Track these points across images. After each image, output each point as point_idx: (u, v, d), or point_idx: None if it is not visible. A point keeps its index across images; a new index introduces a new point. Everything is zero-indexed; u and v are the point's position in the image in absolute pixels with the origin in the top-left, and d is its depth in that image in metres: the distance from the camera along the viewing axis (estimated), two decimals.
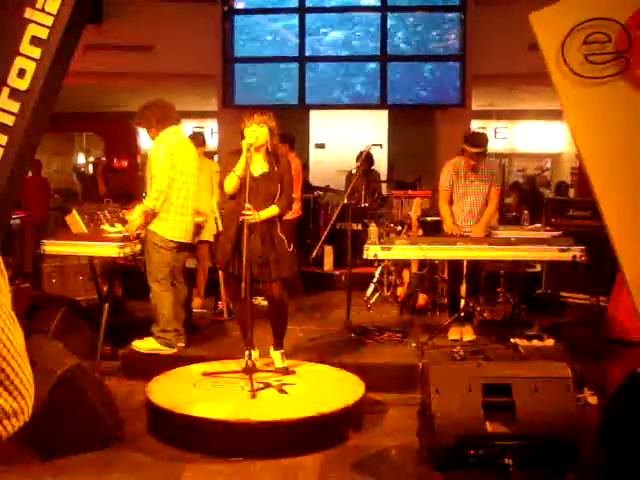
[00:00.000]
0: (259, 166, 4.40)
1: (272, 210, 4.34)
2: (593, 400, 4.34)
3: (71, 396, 3.59)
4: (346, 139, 10.05)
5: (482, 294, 6.27)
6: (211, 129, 12.37)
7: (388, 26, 9.40)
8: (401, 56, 9.48)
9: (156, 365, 4.66)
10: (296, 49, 9.50)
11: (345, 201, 5.98)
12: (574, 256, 4.83)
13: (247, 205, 4.19)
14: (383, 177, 9.66)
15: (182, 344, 5.04)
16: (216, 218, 5.94)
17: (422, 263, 6.44)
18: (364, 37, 9.50)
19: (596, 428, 3.71)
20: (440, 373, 3.42)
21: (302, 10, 9.47)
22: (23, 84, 4.63)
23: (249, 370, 4.15)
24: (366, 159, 7.01)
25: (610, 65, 4.03)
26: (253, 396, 4.00)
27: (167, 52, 9.41)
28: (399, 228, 6.90)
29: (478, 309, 5.83)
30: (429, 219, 6.81)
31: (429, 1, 9.55)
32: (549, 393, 3.28)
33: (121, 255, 4.92)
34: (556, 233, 6.17)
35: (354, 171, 6.76)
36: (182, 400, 3.97)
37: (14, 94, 4.62)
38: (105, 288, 5.51)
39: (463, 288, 5.44)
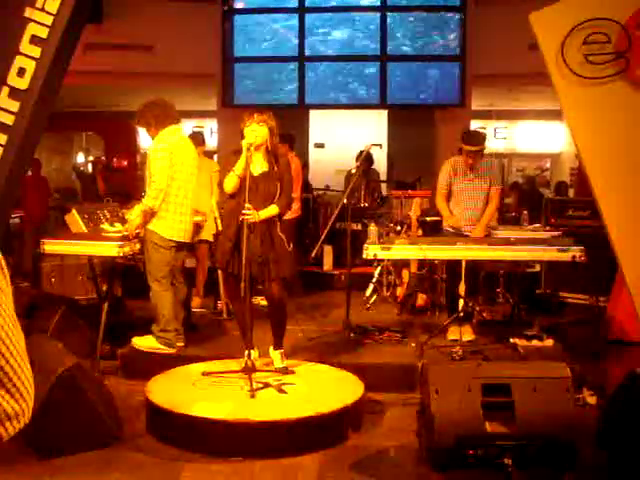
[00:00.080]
0: (259, 166, 4.40)
1: (272, 210, 4.34)
2: (592, 400, 4.34)
3: (70, 396, 3.59)
4: (346, 139, 10.05)
5: (481, 294, 6.28)
6: (211, 129, 12.37)
7: (388, 26, 9.39)
8: (401, 56, 9.47)
9: (155, 365, 4.66)
10: (296, 49, 9.49)
11: (345, 201, 5.97)
12: (573, 256, 4.84)
13: (247, 205, 4.19)
14: (383, 177, 9.67)
15: (181, 344, 5.04)
16: (215, 217, 5.94)
17: (421, 263, 6.44)
18: (364, 37, 9.49)
19: (595, 428, 3.71)
20: (439, 373, 3.42)
21: (302, 10, 9.47)
22: (23, 83, 4.63)
23: (248, 370, 4.15)
24: (366, 159, 7.01)
25: (610, 65, 4.03)
26: (252, 396, 4.00)
27: (167, 52, 9.41)
28: (399, 228, 6.91)
29: (477, 309, 5.84)
30: (429, 219, 6.82)
31: (429, 1, 9.55)
32: (548, 393, 3.28)
33: (120, 254, 4.91)
34: (555, 233, 6.18)
35: (354, 171, 6.76)
36: (181, 400, 3.97)
37: (14, 93, 4.62)
38: (104, 287, 5.50)
39: (462, 288, 5.44)
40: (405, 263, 6.54)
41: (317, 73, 9.56)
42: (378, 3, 9.49)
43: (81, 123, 14.16)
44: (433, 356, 4.87)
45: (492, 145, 12.94)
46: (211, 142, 10.62)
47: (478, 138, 5.63)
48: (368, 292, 6.78)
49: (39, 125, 4.90)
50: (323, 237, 5.91)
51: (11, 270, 1.23)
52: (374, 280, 6.83)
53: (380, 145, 7.30)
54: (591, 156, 4.13)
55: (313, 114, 10.54)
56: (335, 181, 9.24)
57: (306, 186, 8.88)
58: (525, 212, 7.51)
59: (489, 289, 6.69)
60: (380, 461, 3.70)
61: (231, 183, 4.33)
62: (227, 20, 9.55)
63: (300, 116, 10.22)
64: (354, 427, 3.99)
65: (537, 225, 6.99)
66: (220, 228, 5.46)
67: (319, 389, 4.25)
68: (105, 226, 5.57)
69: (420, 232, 6.57)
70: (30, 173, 8.96)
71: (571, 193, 10.77)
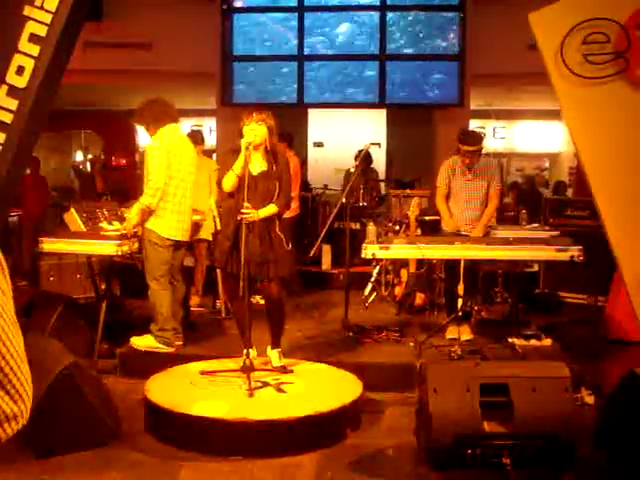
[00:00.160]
0: (258, 165, 4.40)
1: (271, 209, 4.34)
2: (590, 400, 4.34)
3: (69, 395, 3.59)
4: (344, 138, 10.06)
5: (480, 293, 6.27)
6: (209, 127, 12.36)
7: (387, 25, 9.39)
8: (400, 55, 9.48)
9: (154, 363, 4.65)
10: (295, 48, 9.49)
11: (343, 200, 5.97)
12: (572, 256, 4.84)
13: (245, 204, 4.19)
14: (381, 176, 9.67)
15: (180, 343, 5.04)
16: (214, 216, 5.94)
17: (420, 262, 6.44)
18: (363, 36, 9.49)
19: (593, 428, 3.71)
20: (438, 372, 3.42)
21: (301, 9, 9.47)
22: (21, 82, 4.62)
23: (247, 369, 4.15)
24: (364, 158, 7.01)
25: (609, 65, 4.04)
26: (251, 395, 4.00)
27: (166, 50, 9.41)
28: (397, 227, 6.90)
29: (476, 308, 5.84)
30: (427, 218, 6.81)
31: (428, 0, 9.55)
32: (547, 393, 3.28)
33: (119, 253, 4.91)
34: (554, 233, 6.18)
35: (352, 170, 6.77)
36: (180, 399, 3.97)
37: (12, 91, 4.61)
38: (103, 286, 5.50)
39: (461, 287, 5.44)
40: (404, 262, 6.54)
41: (316, 72, 9.56)
42: (377, 2, 9.49)
43: (80, 122, 14.15)
44: (431, 355, 4.87)
45: (491, 145, 12.95)
46: (210, 141, 10.61)
47: (475, 138, 5.63)
48: (367, 291, 6.78)
49: (38, 124, 4.89)
50: (322, 236, 5.91)
51: (9, 269, 1.22)
52: (373, 279, 6.83)
53: (379, 144, 7.30)
54: (590, 156, 4.13)
55: (312, 113, 10.54)
56: (334, 180, 9.24)
57: (305, 185, 8.88)
58: (524, 212, 7.51)
59: (488, 289, 6.69)
60: (378, 460, 3.70)
61: (230, 182, 4.33)
62: (226, 19, 9.55)
63: (299, 115, 10.22)
64: (353, 426, 4.00)
65: (536, 225, 6.99)
66: (219, 227, 5.47)
67: (318, 388, 4.25)
68: (104, 225, 5.57)
69: (419, 231, 6.57)
70: (29, 172, 8.96)
71: (570, 193, 10.78)
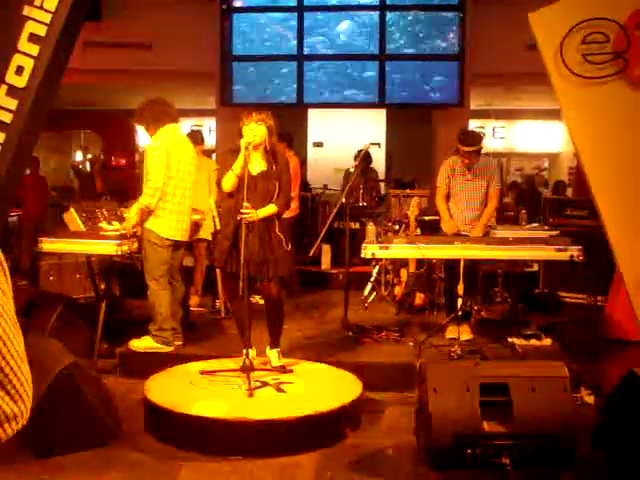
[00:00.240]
0: (257, 164, 4.40)
1: (270, 209, 4.34)
2: (590, 400, 4.35)
3: (68, 394, 3.58)
4: (344, 138, 10.06)
5: (480, 293, 6.28)
6: (209, 127, 12.36)
7: (387, 25, 9.39)
8: (399, 55, 9.47)
9: (154, 363, 4.65)
10: (294, 47, 9.49)
11: (343, 200, 5.97)
12: (572, 256, 4.84)
13: (245, 204, 4.19)
14: (381, 176, 9.67)
15: (179, 342, 5.04)
16: (214, 216, 5.94)
17: (420, 262, 6.44)
18: (362, 36, 9.49)
19: (592, 428, 3.71)
20: (437, 372, 3.42)
21: (300, 9, 9.46)
22: (21, 81, 4.62)
23: (246, 369, 4.15)
24: (364, 158, 7.00)
25: (608, 65, 4.04)
26: (250, 395, 4.00)
27: (165, 50, 9.41)
28: (397, 227, 6.90)
29: (475, 308, 5.84)
30: (427, 218, 6.81)
31: (428, 0, 9.55)
32: (546, 392, 3.29)
33: (118, 253, 4.91)
34: (554, 233, 6.18)
35: (352, 170, 6.77)
36: (179, 399, 3.97)
37: (12, 91, 4.61)
38: (102, 286, 5.50)
39: (460, 287, 5.44)
40: (403, 262, 6.54)
41: (316, 72, 9.56)
42: (377, 2, 9.48)
43: (80, 121, 14.14)
44: (431, 355, 4.87)
45: (491, 144, 12.96)
46: (210, 141, 10.62)
47: (474, 138, 5.62)
48: (366, 291, 6.78)
49: (37, 123, 4.89)
50: (321, 236, 5.91)
51: (9, 269, 1.23)
52: (372, 279, 6.83)
53: (379, 144, 7.30)
54: (589, 155, 4.14)
55: (312, 113, 10.54)
56: (333, 180, 9.24)
57: (304, 185, 8.88)
58: (523, 211, 7.51)
59: (487, 288, 6.69)
60: (378, 460, 3.70)
61: (229, 182, 4.33)
62: (226, 19, 9.54)
63: (299, 115, 10.22)
64: (352, 426, 3.99)
65: (535, 224, 6.99)
66: (218, 227, 5.47)
67: (317, 388, 4.25)
68: (103, 225, 5.57)
69: (418, 231, 6.57)
70: (28, 172, 8.96)
71: (569, 192, 10.78)
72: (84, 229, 5.52)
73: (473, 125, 10.64)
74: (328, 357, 4.86)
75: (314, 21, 9.50)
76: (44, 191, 9.88)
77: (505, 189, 10.27)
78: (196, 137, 6.23)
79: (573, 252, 4.84)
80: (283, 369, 4.46)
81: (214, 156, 9.28)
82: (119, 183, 11.19)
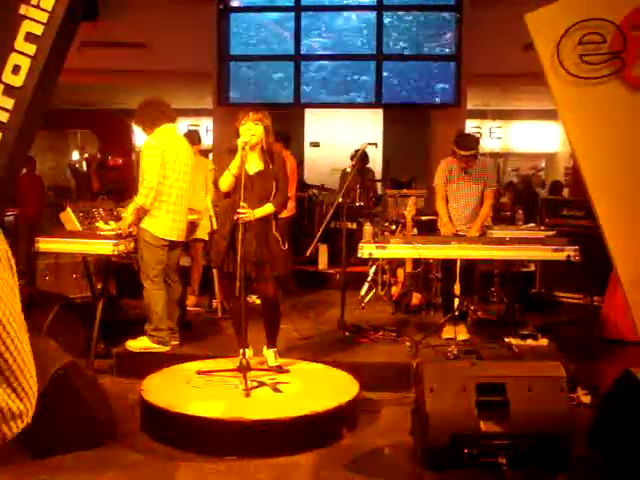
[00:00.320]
0: (254, 164, 4.40)
1: (267, 208, 4.34)
2: (586, 399, 4.35)
3: (65, 394, 3.58)
4: (341, 138, 10.06)
5: (476, 293, 6.28)
6: (206, 127, 12.36)
7: (384, 25, 9.39)
8: (396, 55, 9.48)
9: (150, 363, 4.65)
10: (292, 47, 9.49)
11: (340, 200, 5.97)
12: (568, 256, 4.85)
13: (242, 203, 4.18)
14: (378, 176, 9.67)
15: (176, 342, 5.04)
16: (211, 216, 5.93)
17: (416, 262, 6.44)
18: (360, 36, 9.50)
19: (589, 427, 3.72)
20: (434, 372, 3.42)
21: (298, 8, 9.46)
22: (17, 81, 4.61)
23: (243, 368, 4.15)
24: (361, 158, 7.01)
25: (605, 65, 4.05)
26: (247, 395, 4.00)
27: (162, 49, 9.40)
28: (394, 227, 6.91)
29: (472, 308, 5.84)
30: (424, 218, 6.82)
31: (425, 0, 9.56)
32: (543, 392, 3.29)
33: (115, 253, 4.90)
34: (550, 233, 6.19)
35: (349, 170, 6.76)
36: (176, 398, 3.97)
37: (8, 91, 4.60)
38: (99, 286, 5.49)
39: (457, 287, 5.45)
40: (400, 262, 6.54)
41: (313, 72, 9.56)
42: (374, 2, 9.49)
43: (76, 121, 14.12)
44: (428, 355, 4.88)
45: (487, 145, 12.98)
46: (206, 141, 10.61)
47: (471, 142, 5.61)
48: (363, 291, 6.79)
49: (34, 123, 4.88)
50: (318, 236, 5.91)
51: None
52: (369, 279, 6.84)
53: (375, 144, 7.28)
54: (586, 156, 4.14)
55: (309, 113, 10.54)
56: (330, 180, 9.24)
57: (301, 185, 8.88)
58: (520, 211, 7.54)
59: (484, 288, 6.70)
60: (375, 460, 3.70)
61: (226, 182, 4.32)
62: (223, 18, 9.54)
63: (296, 115, 10.23)
64: (349, 426, 3.99)
65: (532, 225, 7.00)
66: (215, 227, 5.46)
67: (314, 388, 4.25)
68: (100, 224, 5.56)
69: (415, 231, 6.57)
70: (25, 171, 8.94)
71: (566, 193, 10.80)
72: (81, 229, 5.51)
73: (470, 125, 10.66)
74: (325, 357, 4.86)
75: (311, 21, 9.50)
76: (41, 191, 9.87)
77: (502, 189, 10.29)
78: (193, 137, 6.23)
79: (569, 252, 4.85)
80: (280, 369, 4.46)
81: (211, 156, 9.28)
82: (116, 182, 11.16)
